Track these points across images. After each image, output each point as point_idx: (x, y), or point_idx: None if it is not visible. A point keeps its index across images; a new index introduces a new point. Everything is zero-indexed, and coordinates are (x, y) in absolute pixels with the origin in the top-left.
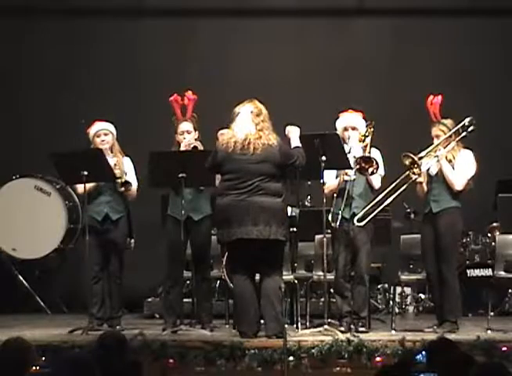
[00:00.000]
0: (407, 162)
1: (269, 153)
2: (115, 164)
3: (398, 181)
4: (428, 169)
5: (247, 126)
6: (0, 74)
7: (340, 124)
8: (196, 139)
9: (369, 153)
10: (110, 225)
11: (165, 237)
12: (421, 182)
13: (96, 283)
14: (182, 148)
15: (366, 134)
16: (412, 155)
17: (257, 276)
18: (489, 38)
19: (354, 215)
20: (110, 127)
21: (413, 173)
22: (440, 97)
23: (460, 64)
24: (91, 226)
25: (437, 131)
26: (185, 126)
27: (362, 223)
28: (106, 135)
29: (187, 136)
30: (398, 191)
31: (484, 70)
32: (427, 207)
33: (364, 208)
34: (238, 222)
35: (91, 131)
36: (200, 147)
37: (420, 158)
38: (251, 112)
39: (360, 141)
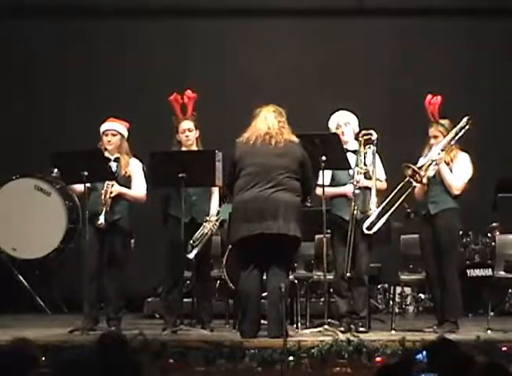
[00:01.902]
0: (409, 172)
1: (291, 148)
2: (118, 161)
3: (400, 186)
4: (426, 170)
5: (270, 120)
6: (1, 74)
7: (332, 123)
8: (197, 138)
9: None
10: (108, 226)
11: (166, 237)
12: (424, 184)
13: (93, 283)
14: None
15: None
16: (412, 166)
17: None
18: (489, 38)
19: (353, 215)
20: (120, 127)
21: (415, 180)
22: (439, 97)
23: (460, 64)
24: (90, 226)
25: (435, 132)
26: (187, 124)
27: (371, 231)
28: (113, 135)
29: (189, 134)
30: (403, 197)
31: (483, 70)
32: (425, 208)
33: (367, 213)
34: (259, 216)
35: (101, 128)
36: (200, 147)
37: (420, 168)
38: (274, 111)
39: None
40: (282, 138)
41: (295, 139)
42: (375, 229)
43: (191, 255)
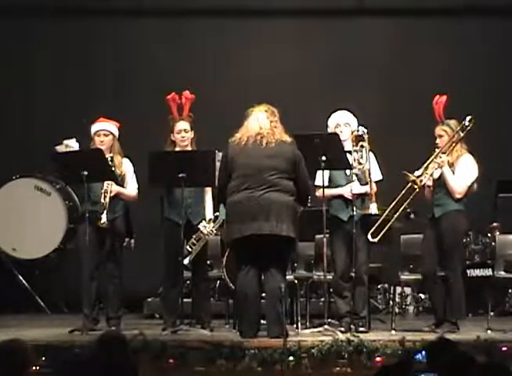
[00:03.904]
0: (410, 179)
1: (282, 148)
2: (112, 161)
3: (403, 192)
4: (431, 174)
5: (262, 121)
6: (1, 74)
7: (332, 121)
8: (191, 139)
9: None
10: (106, 225)
11: (163, 240)
12: (429, 186)
13: (92, 282)
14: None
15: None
16: (412, 176)
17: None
18: (489, 38)
19: (351, 217)
20: (111, 127)
21: (417, 186)
22: (445, 97)
23: (460, 64)
24: (88, 226)
25: (439, 131)
26: (183, 125)
27: (376, 239)
28: (105, 135)
29: (185, 135)
30: (406, 202)
31: (484, 69)
32: (431, 211)
33: (366, 213)
34: (251, 217)
35: (92, 128)
36: (194, 148)
37: (419, 176)
38: (266, 111)
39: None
40: (273, 138)
41: (287, 138)
42: (379, 237)
43: (186, 261)
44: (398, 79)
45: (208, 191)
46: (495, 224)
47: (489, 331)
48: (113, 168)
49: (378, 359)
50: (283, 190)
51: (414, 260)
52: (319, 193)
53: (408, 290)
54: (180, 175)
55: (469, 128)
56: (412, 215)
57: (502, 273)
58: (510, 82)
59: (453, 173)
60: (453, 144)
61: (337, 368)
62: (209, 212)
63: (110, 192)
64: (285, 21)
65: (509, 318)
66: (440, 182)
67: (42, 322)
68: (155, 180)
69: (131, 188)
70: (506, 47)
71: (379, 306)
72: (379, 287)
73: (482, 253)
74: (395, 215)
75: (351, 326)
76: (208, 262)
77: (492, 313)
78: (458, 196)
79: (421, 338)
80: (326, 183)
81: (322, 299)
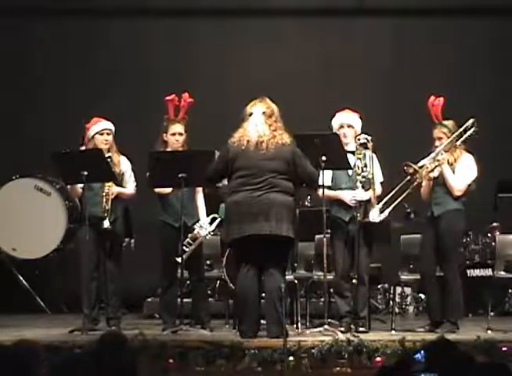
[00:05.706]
0: (410, 171)
1: (281, 151)
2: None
3: (399, 186)
4: (432, 170)
5: (261, 127)
6: (1, 74)
7: (336, 122)
8: (184, 141)
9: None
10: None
11: (159, 241)
12: (430, 179)
13: (92, 283)
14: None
15: (363, 153)
16: (413, 166)
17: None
18: (489, 38)
19: (353, 217)
20: (112, 126)
21: (415, 180)
22: (442, 99)
23: (460, 64)
24: (88, 226)
25: (439, 133)
26: (177, 128)
27: (377, 220)
28: (108, 134)
29: (179, 138)
30: (404, 194)
31: (484, 70)
32: (429, 210)
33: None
34: (250, 218)
35: (95, 129)
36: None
37: (421, 167)
38: (264, 113)
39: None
40: (273, 141)
41: (287, 139)
42: (382, 216)
43: (179, 259)
44: (398, 79)
45: (199, 191)
46: (495, 224)
47: (489, 331)
48: (113, 168)
49: (378, 359)
50: (283, 191)
51: (414, 260)
52: (319, 192)
53: (408, 290)
54: (180, 175)
55: (473, 129)
56: (412, 215)
57: (502, 273)
58: (510, 82)
59: (453, 172)
60: (455, 144)
61: (337, 368)
62: (201, 212)
63: (112, 194)
64: (285, 21)
65: (509, 318)
66: (439, 181)
67: (42, 322)
68: (155, 180)
69: (130, 187)
70: (506, 47)
71: (379, 306)
72: (379, 287)
73: (482, 253)
74: (402, 196)
75: (351, 326)
76: (208, 262)
77: (492, 313)
78: (458, 193)
79: (421, 338)
80: (329, 183)
81: (322, 299)
